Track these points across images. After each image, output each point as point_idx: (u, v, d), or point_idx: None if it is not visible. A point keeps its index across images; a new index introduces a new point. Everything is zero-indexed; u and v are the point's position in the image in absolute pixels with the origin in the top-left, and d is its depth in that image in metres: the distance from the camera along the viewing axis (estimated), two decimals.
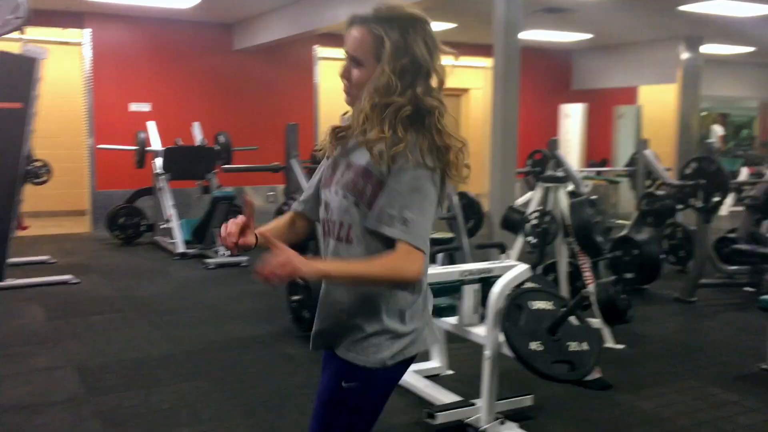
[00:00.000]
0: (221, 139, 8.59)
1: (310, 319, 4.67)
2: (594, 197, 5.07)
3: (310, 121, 10.36)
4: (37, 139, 8.49)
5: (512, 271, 3.30)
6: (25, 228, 7.28)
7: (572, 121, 12.12)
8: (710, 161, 5.66)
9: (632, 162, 8.13)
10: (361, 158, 1.68)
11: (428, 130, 1.65)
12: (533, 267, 4.00)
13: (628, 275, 6.10)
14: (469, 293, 3.43)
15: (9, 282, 6.09)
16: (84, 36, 9.20)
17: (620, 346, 4.60)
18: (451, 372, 4.13)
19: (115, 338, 4.76)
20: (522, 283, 3.34)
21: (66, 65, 9.63)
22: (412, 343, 1.71)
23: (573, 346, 2.98)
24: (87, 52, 9.20)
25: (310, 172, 7.99)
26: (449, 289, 3.46)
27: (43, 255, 7.26)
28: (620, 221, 8.91)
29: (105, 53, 9.30)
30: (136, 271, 6.95)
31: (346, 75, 1.71)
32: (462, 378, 4.03)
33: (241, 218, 1.72)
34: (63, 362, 4.26)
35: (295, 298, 4.79)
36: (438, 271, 3.42)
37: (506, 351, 3.08)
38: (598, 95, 12.50)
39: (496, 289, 3.18)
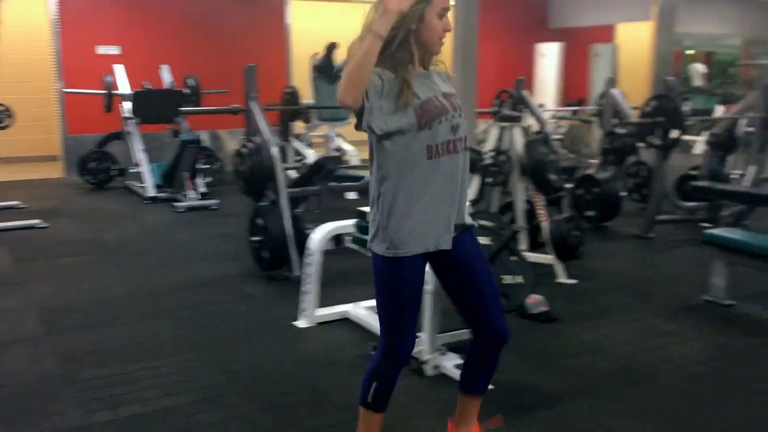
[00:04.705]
0: (190, 82, 8.53)
1: (270, 259, 4.80)
2: (555, 136, 5.14)
3: (282, 63, 10.28)
4: (4, 84, 8.42)
5: None
6: None
7: (548, 60, 12.06)
8: (669, 99, 5.70)
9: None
10: (449, 87, 2.18)
11: None
12: (473, 204, 4.09)
13: (590, 213, 6.23)
14: None
15: None
16: None
17: (572, 281, 4.73)
18: None
19: (79, 280, 4.84)
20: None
21: (32, 8, 9.46)
22: None
23: (507, 279, 3.09)
24: None
25: (280, 115, 7.99)
26: None
27: (13, 200, 7.29)
28: (592, 160, 8.99)
29: None
30: (106, 216, 7.00)
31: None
32: None
33: None
34: (25, 304, 4.34)
35: (255, 239, 4.88)
36: None
37: None
38: (575, 34, 12.40)
39: None
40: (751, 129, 6.37)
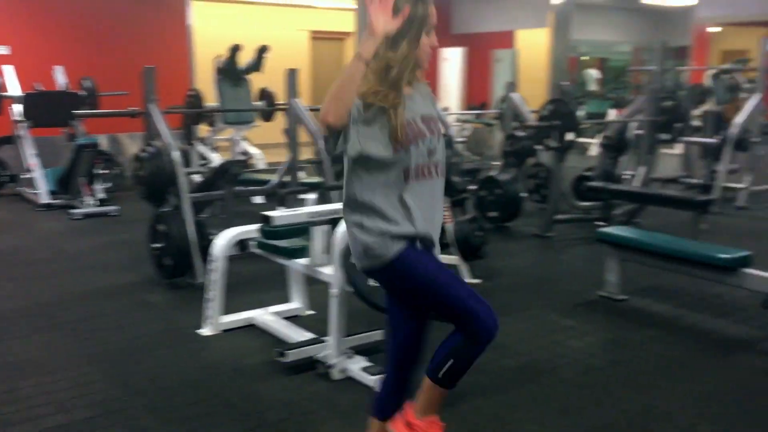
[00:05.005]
0: (86, 83, 8.20)
1: (172, 266, 4.67)
2: (458, 139, 5.24)
3: (185, 64, 10.04)
4: None
5: None
6: None
7: (451, 65, 12.31)
8: (564, 103, 5.93)
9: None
10: (429, 108, 2.17)
11: None
12: None
13: (493, 213, 6.39)
14: (318, 234, 3.50)
15: None
16: None
17: (477, 281, 4.84)
18: (312, 312, 4.22)
19: None
20: None
21: None
22: None
23: None
24: None
25: (183, 118, 7.79)
26: (299, 231, 3.52)
27: None
28: (495, 162, 9.24)
29: None
30: None
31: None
32: (323, 318, 4.12)
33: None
34: None
35: (156, 246, 4.74)
36: (287, 213, 3.47)
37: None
38: (476, 39, 12.72)
39: (341, 228, 3.27)
40: (640, 131, 6.72)
